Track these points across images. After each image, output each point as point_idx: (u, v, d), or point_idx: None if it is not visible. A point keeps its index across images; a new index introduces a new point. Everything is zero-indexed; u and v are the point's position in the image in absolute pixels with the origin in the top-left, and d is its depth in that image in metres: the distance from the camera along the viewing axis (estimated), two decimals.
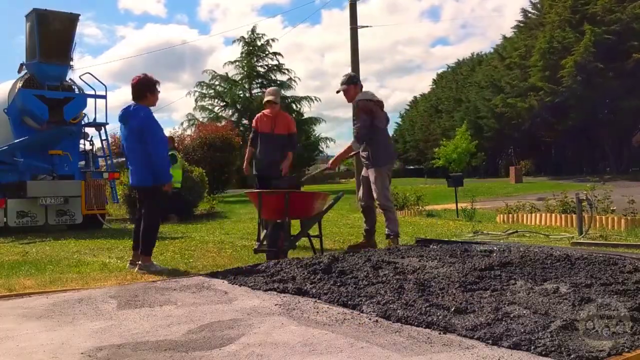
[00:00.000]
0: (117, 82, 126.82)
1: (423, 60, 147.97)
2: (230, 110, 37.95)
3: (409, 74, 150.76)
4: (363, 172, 6.22)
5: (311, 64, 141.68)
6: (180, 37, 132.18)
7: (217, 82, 38.44)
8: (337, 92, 6.19)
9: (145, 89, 5.16)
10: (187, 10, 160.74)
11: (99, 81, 10.70)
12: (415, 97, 70.90)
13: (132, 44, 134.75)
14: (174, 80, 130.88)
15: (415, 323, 2.77)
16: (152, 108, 5.27)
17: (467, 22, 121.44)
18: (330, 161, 6.64)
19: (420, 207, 12.89)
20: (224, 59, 38.63)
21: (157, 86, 5.25)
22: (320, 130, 72.14)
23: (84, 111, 10.43)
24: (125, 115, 5.16)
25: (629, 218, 8.26)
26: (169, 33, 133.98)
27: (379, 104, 6.03)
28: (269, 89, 7.17)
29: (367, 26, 18.77)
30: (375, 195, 5.87)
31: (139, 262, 5.01)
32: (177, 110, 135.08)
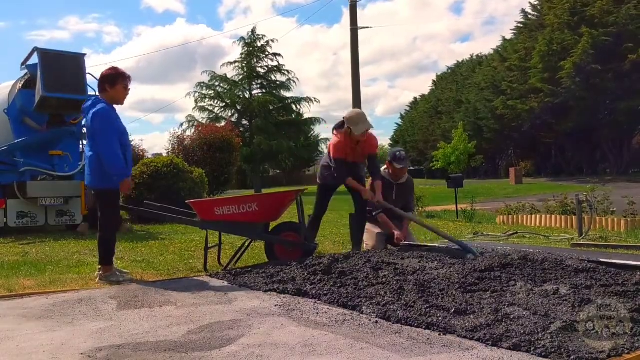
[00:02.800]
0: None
1: (440, 57, 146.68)
2: (230, 111, 38.02)
3: (425, 72, 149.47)
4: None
5: (326, 63, 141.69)
6: (199, 37, 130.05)
7: (217, 83, 38.50)
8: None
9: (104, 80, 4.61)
10: (208, 9, 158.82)
11: None
12: (415, 98, 70.90)
13: (148, 43, 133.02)
14: (188, 80, 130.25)
15: (415, 324, 2.78)
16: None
17: (492, 19, 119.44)
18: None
19: (420, 208, 12.90)
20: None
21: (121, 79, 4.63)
22: (320, 130, 72.34)
23: None
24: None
25: (629, 219, 8.27)
26: (188, 32, 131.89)
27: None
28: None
29: (367, 27, 18.80)
30: None
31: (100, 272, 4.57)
32: (186, 110, 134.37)
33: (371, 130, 5.42)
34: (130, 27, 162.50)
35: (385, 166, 5.94)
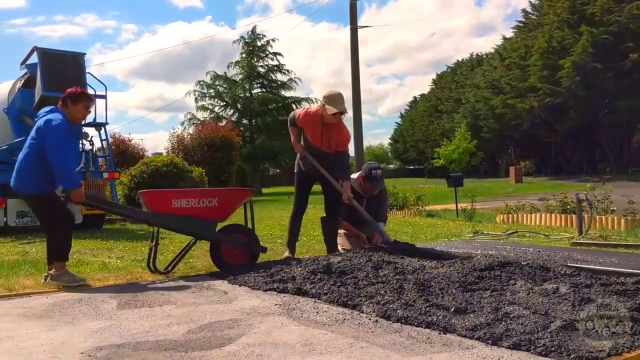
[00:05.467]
0: (138, 77, 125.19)
1: (457, 53, 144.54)
2: (231, 110, 38.07)
3: (437, 70, 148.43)
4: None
5: (337, 62, 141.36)
6: (213, 35, 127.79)
7: (217, 82, 38.55)
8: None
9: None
10: (227, 7, 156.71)
11: (99, 81, 10.71)
12: (415, 97, 70.91)
13: (163, 40, 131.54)
14: (200, 79, 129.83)
15: (415, 323, 2.77)
16: None
17: (515, 13, 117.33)
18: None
19: (420, 207, 12.89)
20: None
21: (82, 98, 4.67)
22: None
23: None
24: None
25: (628, 218, 8.26)
26: (208, 31, 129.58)
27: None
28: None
29: (367, 26, 18.76)
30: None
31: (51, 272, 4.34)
32: (190, 109, 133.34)
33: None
34: (148, 24, 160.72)
35: (356, 176, 5.66)
